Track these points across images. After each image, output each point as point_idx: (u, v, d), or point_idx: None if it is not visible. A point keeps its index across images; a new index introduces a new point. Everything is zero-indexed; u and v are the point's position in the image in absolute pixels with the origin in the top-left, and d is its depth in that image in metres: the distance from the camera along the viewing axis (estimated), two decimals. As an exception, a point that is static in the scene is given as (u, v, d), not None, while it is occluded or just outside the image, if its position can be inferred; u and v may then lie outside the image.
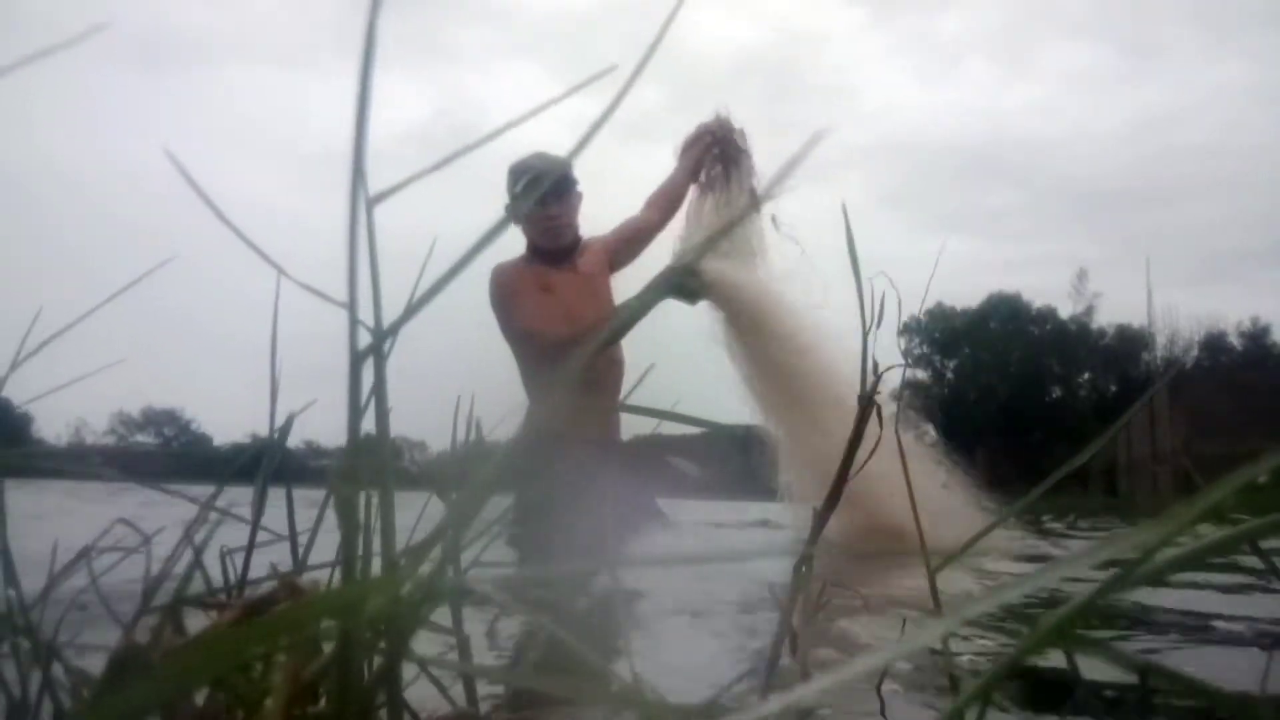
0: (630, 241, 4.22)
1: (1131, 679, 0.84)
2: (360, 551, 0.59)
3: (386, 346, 0.36)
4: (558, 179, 3.90)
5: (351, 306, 0.34)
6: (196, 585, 0.60)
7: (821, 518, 0.52)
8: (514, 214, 3.50)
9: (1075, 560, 0.26)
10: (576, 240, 4.10)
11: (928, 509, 3.10)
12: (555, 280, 3.96)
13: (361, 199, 0.32)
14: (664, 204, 4.22)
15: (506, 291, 3.93)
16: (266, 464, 0.59)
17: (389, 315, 0.50)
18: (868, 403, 0.60)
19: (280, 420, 0.62)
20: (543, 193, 3.74)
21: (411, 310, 0.38)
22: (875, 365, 0.66)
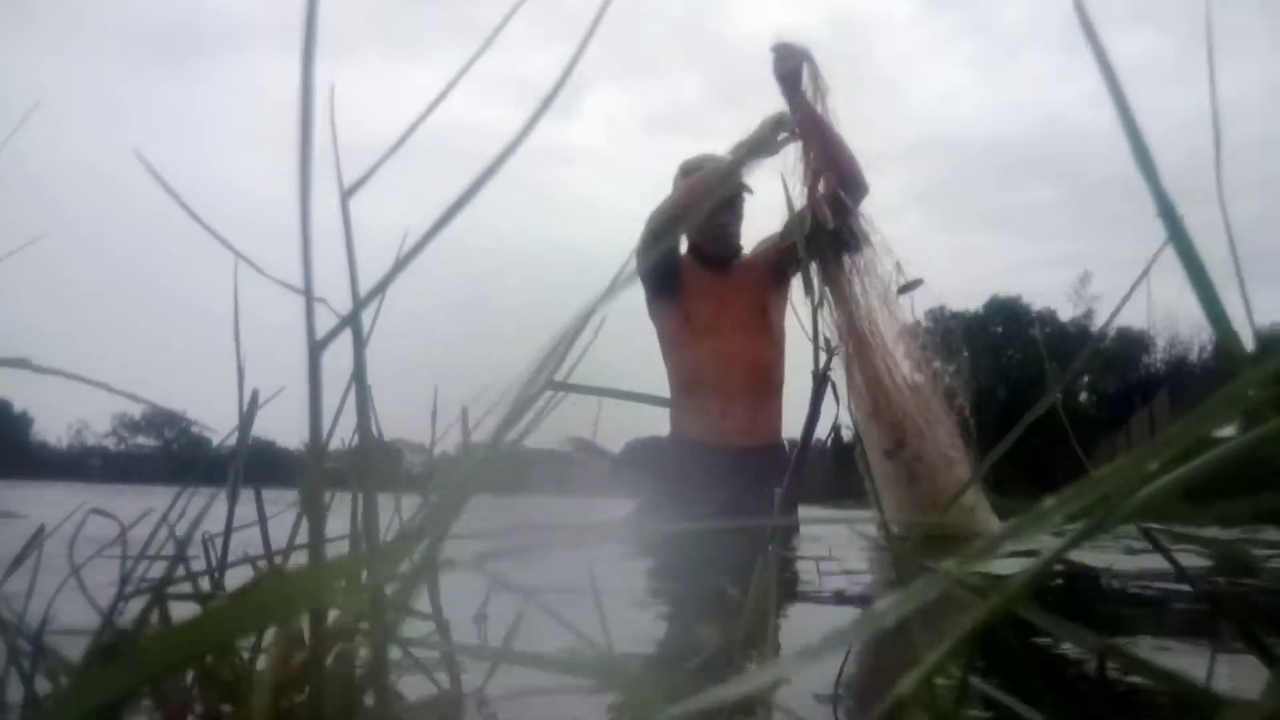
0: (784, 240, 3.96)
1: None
2: (345, 540, 0.60)
3: (365, 333, 0.37)
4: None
5: (308, 291, 0.35)
6: (176, 577, 0.60)
7: (783, 498, 0.52)
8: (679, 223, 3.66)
9: (994, 542, 0.27)
10: (738, 251, 3.99)
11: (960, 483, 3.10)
12: (708, 286, 3.90)
13: (309, 182, 0.33)
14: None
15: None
16: (238, 453, 0.59)
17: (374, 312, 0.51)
18: (822, 381, 0.61)
19: (259, 417, 0.63)
20: (716, 200, 3.72)
21: (379, 287, 0.38)
22: (827, 341, 0.66)
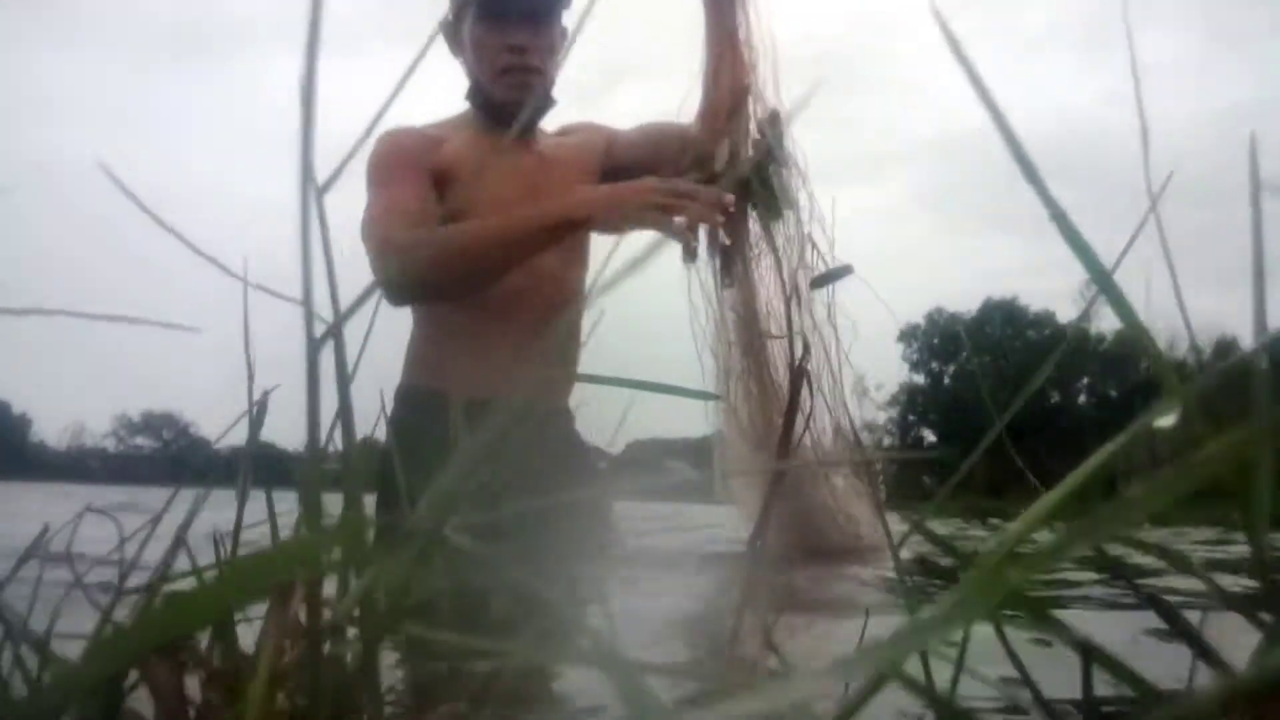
0: (659, 145, 2.40)
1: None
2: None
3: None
4: None
5: (306, 290, 0.35)
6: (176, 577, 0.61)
7: (765, 502, 0.52)
8: (453, 36, 2.29)
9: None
10: (547, 99, 2.37)
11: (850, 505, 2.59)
12: (501, 164, 2.36)
13: (311, 187, 0.33)
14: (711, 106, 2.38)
15: (383, 157, 2.18)
16: (247, 449, 0.60)
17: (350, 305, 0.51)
18: (798, 375, 0.62)
19: (265, 419, 0.63)
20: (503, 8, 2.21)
21: (365, 295, 0.39)
22: (805, 343, 0.66)
